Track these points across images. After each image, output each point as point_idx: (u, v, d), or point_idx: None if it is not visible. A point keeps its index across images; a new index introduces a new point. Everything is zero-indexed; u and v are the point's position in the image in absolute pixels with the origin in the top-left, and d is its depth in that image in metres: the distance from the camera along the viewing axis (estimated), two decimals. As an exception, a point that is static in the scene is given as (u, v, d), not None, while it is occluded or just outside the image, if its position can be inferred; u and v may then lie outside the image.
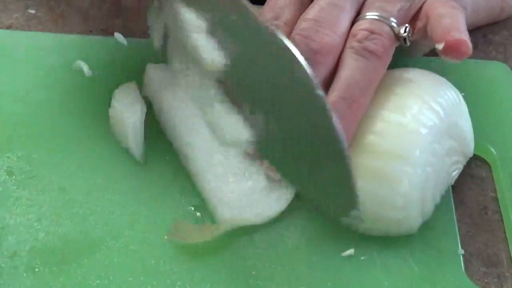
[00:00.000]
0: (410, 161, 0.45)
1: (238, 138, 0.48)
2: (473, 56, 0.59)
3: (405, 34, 0.48)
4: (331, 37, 0.47)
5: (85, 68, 0.56)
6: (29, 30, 0.61)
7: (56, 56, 0.57)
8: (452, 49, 0.46)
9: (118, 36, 0.59)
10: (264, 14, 0.50)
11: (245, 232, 0.47)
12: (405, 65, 0.51)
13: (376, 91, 0.48)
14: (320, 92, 0.43)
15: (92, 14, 0.63)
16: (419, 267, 0.46)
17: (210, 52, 0.48)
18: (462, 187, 0.52)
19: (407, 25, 0.48)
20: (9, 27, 0.61)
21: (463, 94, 0.50)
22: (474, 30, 0.62)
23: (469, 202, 0.51)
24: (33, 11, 0.62)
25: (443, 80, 0.49)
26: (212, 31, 0.49)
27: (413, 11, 0.50)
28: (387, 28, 0.48)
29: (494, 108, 0.56)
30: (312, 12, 0.48)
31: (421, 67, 0.51)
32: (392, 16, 0.48)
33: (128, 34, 0.59)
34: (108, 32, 0.60)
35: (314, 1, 0.49)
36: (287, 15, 0.50)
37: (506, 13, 0.63)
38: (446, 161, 0.48)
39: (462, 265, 0.47)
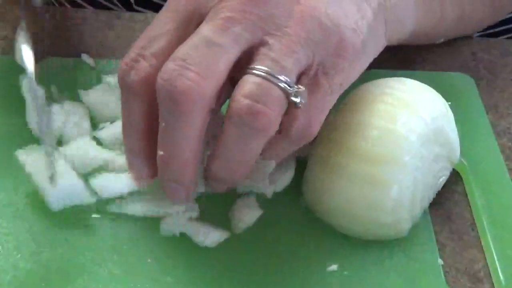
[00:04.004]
0: (400, 166, 0.46)
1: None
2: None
3: (298, 99, 0.43)
4: (195, 82, 0.41)
5: (54, 90, 0.55)
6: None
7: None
8: None
9: (84, 56, 0.59)
10: (137, 41, 0.45)
11: (227, 249, 0.47)
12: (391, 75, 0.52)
13: (366, 100, 0.49)
14: None
15: (87, 28, 0.62)
16: (402, 280, 0.47)
17: None
18: (448, 204, 0.53)
19: (300, 88, 0.43)
20: (4, 38, 0.60)
21: (449, 103, 0.51)
22: (463, 49, 0.64)
23: (456, 219, 0.52)
24: None
25: (429, 89, 0.51)
26: None
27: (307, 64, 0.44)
28: (276, 93, 0.42)
29: (461, 120, 0.57)
30: (181, 50, 0.42)
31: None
32: (285, 73, 0.42)
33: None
34: (101, 45, 0.61)
35: (189, 37, 0.43)
36: (157, 46, 0.44)
37: (443, 25, 0.60)
38: (433, 166, 0.49)
39: (443, 275, 0.48)
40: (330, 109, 0.46)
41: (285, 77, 0.42)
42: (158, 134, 0.44)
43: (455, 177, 0.53)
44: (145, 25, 0.63)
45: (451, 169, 0.52)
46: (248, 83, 0.42)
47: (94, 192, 0.48)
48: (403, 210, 0.47)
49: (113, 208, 0.48)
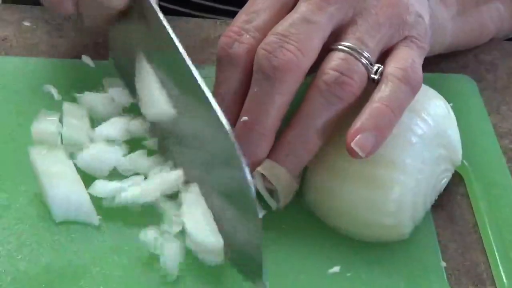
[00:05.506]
0: (402, 168, 0.46)
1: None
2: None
3: (376, 76, 0.47)
4: (295, 55, 0.45)
5: (54, 91, 0.55)
6: (24, 43, 0.60)
7: (24, 80, 0.56)
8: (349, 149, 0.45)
9: (85, 58, 0.58)
10: (239, 16, 0.49)
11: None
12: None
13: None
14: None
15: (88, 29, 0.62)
16: (404, 282, 0.47)
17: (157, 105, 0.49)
18: (451, 206, 0.53)
19: (379, 66, 0.47)
20: (4, 40, 0.60)
21: (451, 104, 0.51)
22: (464, 50, 0.64)
23: (458, 220, 0.52)
24: (28, 24, 0.62)
25: (432, 90, 0.51)
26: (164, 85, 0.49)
27: (389, 44, 0.49)
28: (360, 68, 0.46)
29: (463, 122, 0.57)
30: (281, 26, 0.47)
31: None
32: (369, 51, 0.47)
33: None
34: (104, 46, 0.60)
35: (288, 14, 0.48)
36: (259, 20, 0.48)
37: (485, 36, 0.64)
38: (436, 168, 0.49)
39: (445, 277, 0.48)
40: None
41: (367, 54, 0.47)
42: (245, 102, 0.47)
43: (457, 179, 0.53)
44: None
45: (453, 171, 0.52)
46: (336, 58, 0.46)
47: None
48: (405, 212, 0.47)
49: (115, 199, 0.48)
